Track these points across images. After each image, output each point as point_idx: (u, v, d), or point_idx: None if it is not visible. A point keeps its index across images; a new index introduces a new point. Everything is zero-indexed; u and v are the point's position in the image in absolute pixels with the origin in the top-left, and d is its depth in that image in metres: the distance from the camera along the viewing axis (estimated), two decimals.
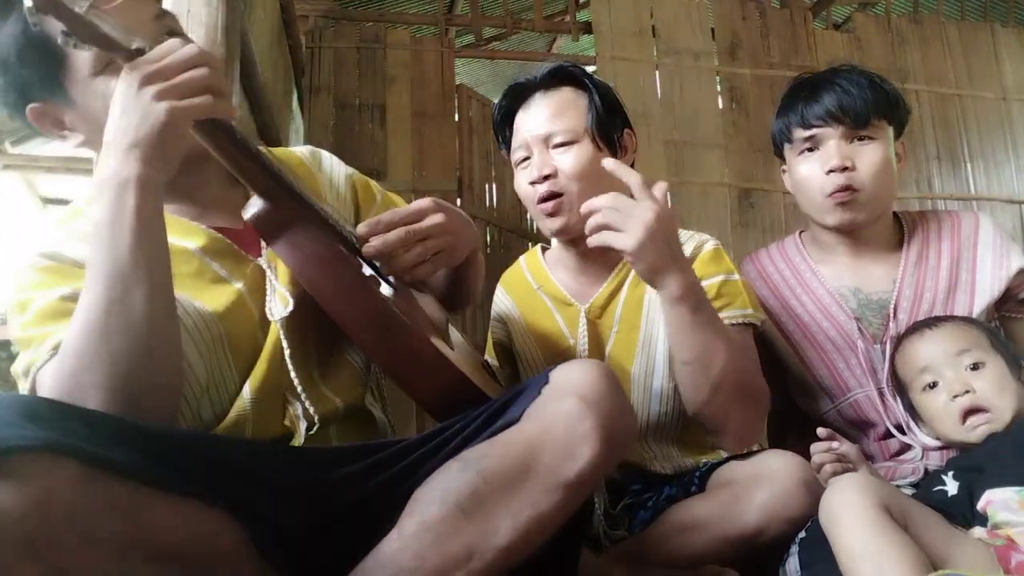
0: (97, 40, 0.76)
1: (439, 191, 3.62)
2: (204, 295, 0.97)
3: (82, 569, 0.65)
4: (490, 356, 1.52)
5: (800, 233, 1.57)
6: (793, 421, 1.57)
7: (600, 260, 1.36)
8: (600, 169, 1.19)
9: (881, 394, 1.37)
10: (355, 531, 0.83)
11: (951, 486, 1.07)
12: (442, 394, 0.96)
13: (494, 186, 4.17)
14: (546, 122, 1.32)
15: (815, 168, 1.39)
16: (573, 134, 1.31)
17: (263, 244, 1.03)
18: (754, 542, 1.07)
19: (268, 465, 0.87)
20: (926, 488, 1.12)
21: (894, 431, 1.35)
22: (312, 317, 0.98)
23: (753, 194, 4.09)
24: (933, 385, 1.21)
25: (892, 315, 1.38)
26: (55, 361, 0.84)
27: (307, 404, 0.99)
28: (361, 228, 0.98)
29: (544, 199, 1.31)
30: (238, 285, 1.00)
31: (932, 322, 1.28)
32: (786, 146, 1.46)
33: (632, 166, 1.36)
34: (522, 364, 1.44)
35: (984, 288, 1.38)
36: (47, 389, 0.83)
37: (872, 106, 1.35)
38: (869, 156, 1.36)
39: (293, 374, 0.98)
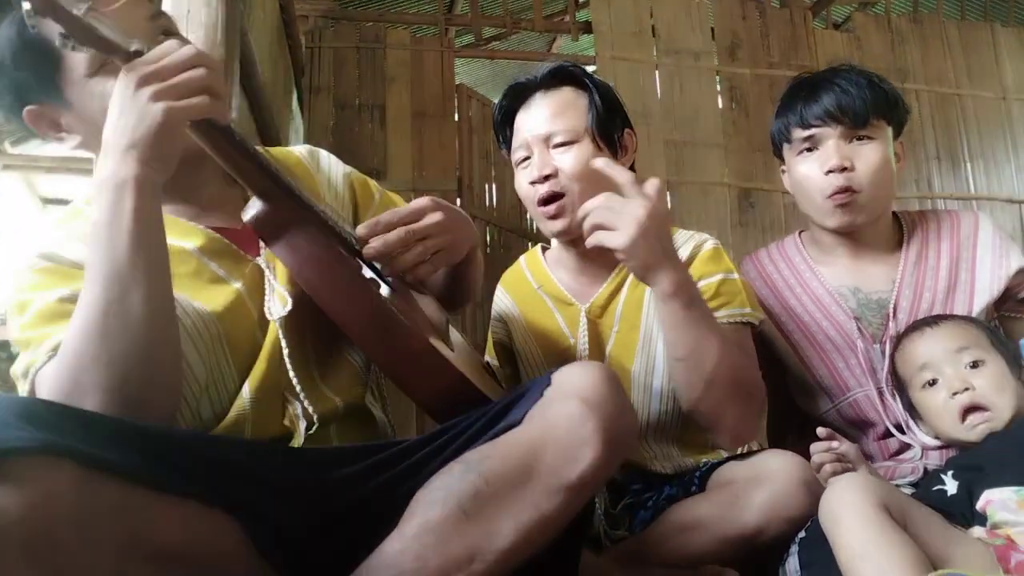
0: (95, 42, 0.76)
1: (439, 191, 3.61)
2: (203, 295, 0.97)
3: (81, 570, 0.65)
4: (490, 356, 1.52)
5: (800, 233, 1.57)
6: (793, 421, 1.58)
7: (600, 260, 1.36)
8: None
9: (880, 394, 1.37)
10: (355, 532, 0.83)
11: (950, 485, 1.07)
12: (442, 395, 0.96)
13: (494, 186, 4.17)
14: (546, 122, 1.32)
15: (814, 168, 1.39)
16: (573, 134, 1.31)
17: (261, 244, 1.03)
18: (754, 542, 1.07)
19: (268, 465, 0.87)
20: (925, 487, 1.12)
21: (893, 430, 1.35)
22: (311, 317, 0.98)
23: (753, 194, 4.09)
24: (933, 382, 1.21)
25: (891, 315, 1.38)
26: (54, 362, 0.84)
27: (306, 404, 0.99)
28: (360, 229, 0.98)
29: (545, 201, 1.31)
30: (237, 285, 1.00)
31: (932, 320, 1.28)
32: (785, 146, 1.46)
33: (632, 166, 1.36)
34: (522, 364, 1.44)
35: (983, 288, 1.38)
36: (46, 390, 0.83)
37: (871, 106, 1.35)
38: (868, 156, 1.36)
39: (292, 373, 0.98)
